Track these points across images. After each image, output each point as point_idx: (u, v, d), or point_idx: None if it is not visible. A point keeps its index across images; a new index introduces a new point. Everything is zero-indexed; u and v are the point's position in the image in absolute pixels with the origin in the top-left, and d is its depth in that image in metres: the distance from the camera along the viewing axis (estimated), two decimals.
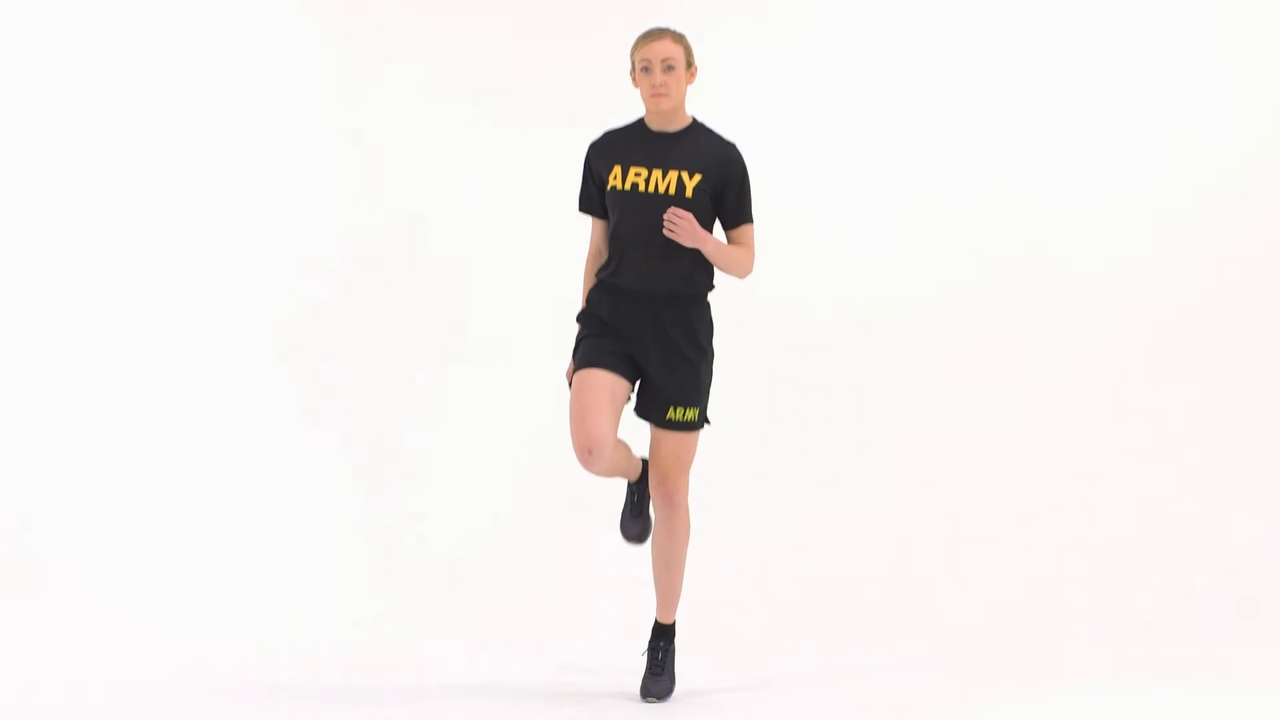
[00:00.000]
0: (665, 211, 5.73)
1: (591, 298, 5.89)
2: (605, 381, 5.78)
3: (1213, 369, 8.06)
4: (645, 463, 6.03)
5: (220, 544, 7.29)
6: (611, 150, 5.87)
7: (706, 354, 5.88)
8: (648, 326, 5.81)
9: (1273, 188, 8.14)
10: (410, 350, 7.79)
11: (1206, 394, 8.03)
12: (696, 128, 5.87)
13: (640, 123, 5.90)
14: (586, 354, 5.83)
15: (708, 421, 5.93)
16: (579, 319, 5.92)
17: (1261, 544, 7.74)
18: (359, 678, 6.24)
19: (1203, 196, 8.14)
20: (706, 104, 6.34)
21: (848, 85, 8.15)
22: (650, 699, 5.90)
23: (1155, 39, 8.18)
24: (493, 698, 5.94)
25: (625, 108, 6.09)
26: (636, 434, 6.00)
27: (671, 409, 5.84)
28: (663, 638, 5.98)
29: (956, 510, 7.81)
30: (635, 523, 6.07)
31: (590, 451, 5.73)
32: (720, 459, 6.67)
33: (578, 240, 6.16)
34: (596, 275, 5.90)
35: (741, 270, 5.86)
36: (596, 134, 5.94)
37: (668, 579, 5.96)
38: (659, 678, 5.94)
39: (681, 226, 5.69)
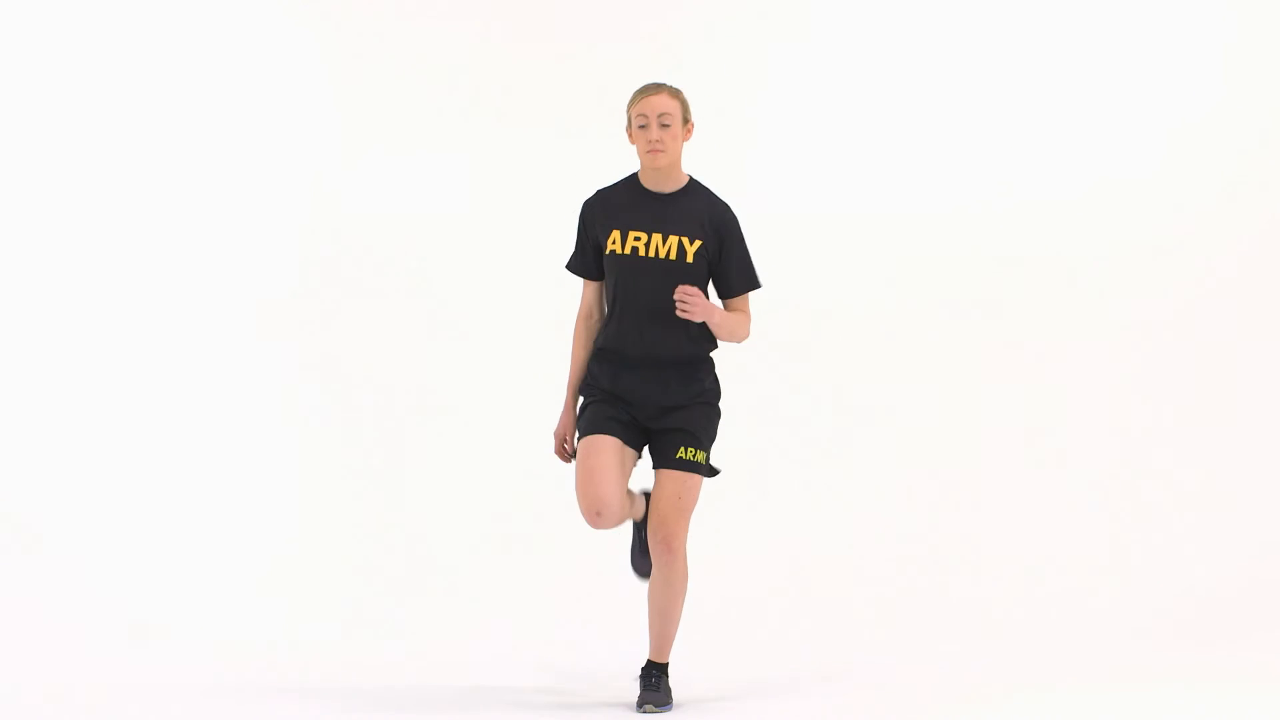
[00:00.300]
0: (666, 278, 5.66)
1: (592, 369, 5.81)
2: (612, 445, 5.71)
3: (1211, 372, 8.04)
4: (648, 497, 5.91)
5: (220, 544, 7.29)
6: (608, 212, 5.75)
7: (714, 407, 5.83)
8: (652, 390, 5.74)
9: (1273, 190, 8.13)
10: (411, 350, 7.78)
11: (1207, 395, 8.01)
12: (693, 188, 5.77)
13: (635, 181, 5.79)
14: (592, 420, 5.75)
15: (714, 471, 5.85)
16: (582, 391, 5.83)
17: (1262, 544, 7.73)
18: (358, 680, 6.23)
19: (1203, 199, 8.13)
20: (705, 109, 6.30)
21: (841, 98, 8.14)
22: (647, 707, 5.73)
23: (1157, 42, 8.17)
24: (492, 702, 5.93)
25: (622, 105, 6.01)
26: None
27: (682, 449, 5.74)
28: (655, 670, 5.82)
29: (957, 512, 7.79)
30: (645, 559, 5.92)
31: (599, 514, 5.67)
32: (719, 459, 6.64)
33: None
34: (595, 342, 5.82)
35: (740, 337, 5.80)
36: (594, 132, 5.86)
37: (662, 626, 5.81)
38: (655, 691, 5.77)
39: (694, 304, 5.61)
